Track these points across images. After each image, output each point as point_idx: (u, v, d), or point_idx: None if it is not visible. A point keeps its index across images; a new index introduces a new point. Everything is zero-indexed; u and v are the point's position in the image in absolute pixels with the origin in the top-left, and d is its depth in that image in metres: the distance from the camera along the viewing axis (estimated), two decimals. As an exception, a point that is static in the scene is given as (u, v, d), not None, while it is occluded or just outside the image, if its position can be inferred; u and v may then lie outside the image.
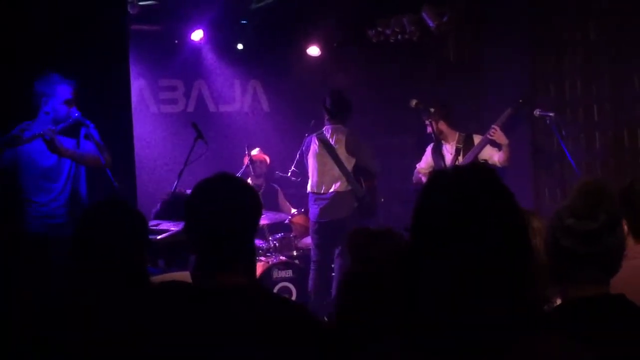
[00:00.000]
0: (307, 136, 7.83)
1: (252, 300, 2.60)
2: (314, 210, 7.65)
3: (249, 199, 2.72)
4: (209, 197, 2.67)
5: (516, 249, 1.75)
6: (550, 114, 7.09)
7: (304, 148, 7.85)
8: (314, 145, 7.66)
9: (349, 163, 7.54)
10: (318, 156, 7.63)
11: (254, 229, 2.77)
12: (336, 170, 7.52)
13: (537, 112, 7.24)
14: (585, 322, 2.29)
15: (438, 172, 1.85)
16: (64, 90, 5.53)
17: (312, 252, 7.75)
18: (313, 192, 7.65)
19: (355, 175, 7.56)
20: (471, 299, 1.71)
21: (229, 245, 2.63)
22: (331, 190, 7.53)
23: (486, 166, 1.88)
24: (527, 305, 1.76)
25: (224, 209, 2.62)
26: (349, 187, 7.52)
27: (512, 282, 1.73)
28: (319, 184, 7.61)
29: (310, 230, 7.79)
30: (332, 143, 7.55)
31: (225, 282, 2.60)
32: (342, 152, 7.52)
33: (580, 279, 2.38)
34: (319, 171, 7.62)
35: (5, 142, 5.41)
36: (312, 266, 7.68)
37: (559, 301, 2.99)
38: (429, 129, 7.70)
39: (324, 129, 7.67)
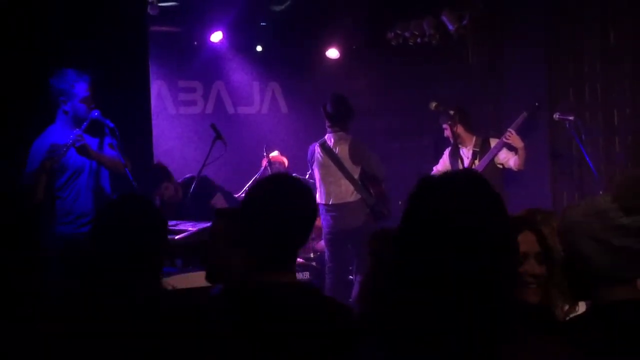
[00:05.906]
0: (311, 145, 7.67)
1: (308, 296, 2.71)
2: (326, 220, 7.53)
3: (308, 201, 2.78)
4: (269, 200, 2.71)
5: (502, 252, 1.76)
6: (570, 118, 7.06)
7: (308, 157, 7.73)
8: (318, 155, 7.51)
9: (355, 171, 7.40)
10: (323, 166, 7.48)
11: (309, 231, 2.81)
12: (344, 181, 7.38)
13: (556, 116, 7.21)
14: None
15: (427, 177, 1.86)
16: (81, 88, 5.47)
17: (327, 258, 7.65)
18: (322, 204, 7.51)
19: (363, 183, 7.42)
20: (454, 302, 1.72)
21: (286, 246, 2.71)
22: (341, 201, 7.39)
23: (475, 172, 1.90)
24: (511, 309, 1.77)
25: (283, 212, 2.67)
26: (359, 196, 7.38)
27: (496, 286, 1.74)
28: (327, 195, 7.46)
29: (324, 239, 7.71)
30: (337, 152, 7.39)
31: (281, 281, 2.67)
32: (347, 161, 7.37)
33: (633, 277, 2.27)
34: (326, 182, 7.47)
35: (58, 156, 5.39)
36: (328, 271, 7.58)
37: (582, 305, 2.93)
38: (446, 133, 7.71)
39: (326, 137, 7.50)
